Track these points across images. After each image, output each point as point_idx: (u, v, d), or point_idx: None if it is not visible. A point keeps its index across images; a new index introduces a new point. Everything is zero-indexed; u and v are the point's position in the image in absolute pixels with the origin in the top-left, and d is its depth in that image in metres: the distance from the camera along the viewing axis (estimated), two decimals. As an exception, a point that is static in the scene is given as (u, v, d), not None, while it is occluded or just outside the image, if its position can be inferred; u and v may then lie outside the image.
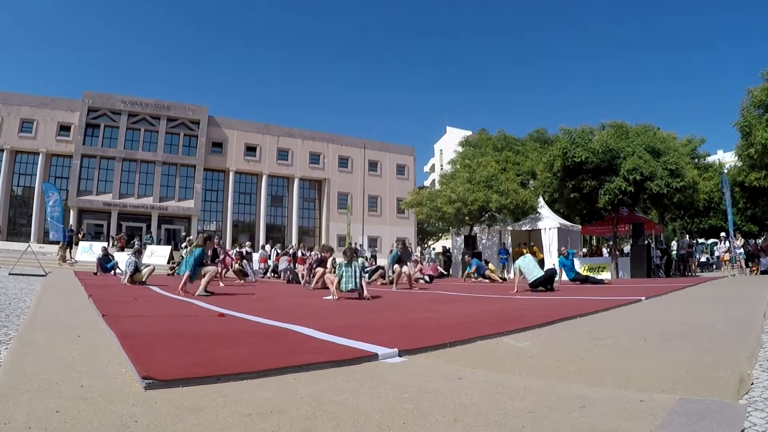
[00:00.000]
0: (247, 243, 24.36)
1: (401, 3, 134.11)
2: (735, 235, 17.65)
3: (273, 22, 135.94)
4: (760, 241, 22.94)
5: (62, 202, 22.16)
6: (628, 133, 16.68)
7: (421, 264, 16.97)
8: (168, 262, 23.32)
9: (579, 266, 17.75)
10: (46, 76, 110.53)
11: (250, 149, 40.01)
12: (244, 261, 14.80)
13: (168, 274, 15.28)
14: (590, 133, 16.53)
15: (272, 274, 18.70)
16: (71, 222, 32.38)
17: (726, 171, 25.58)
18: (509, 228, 20.70)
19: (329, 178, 42.11)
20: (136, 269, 9.94)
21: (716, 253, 22.54)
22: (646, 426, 1.35)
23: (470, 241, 20.31)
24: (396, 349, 2.46)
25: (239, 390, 1.75)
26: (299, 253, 18.69)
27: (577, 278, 12.50)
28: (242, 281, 13.43)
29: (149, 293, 7.27)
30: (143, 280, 9.89)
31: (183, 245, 11.07)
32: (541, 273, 9.14)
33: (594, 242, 27.22)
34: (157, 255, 24.32)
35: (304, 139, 41.90)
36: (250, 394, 1.70)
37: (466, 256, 17.35)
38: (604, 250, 24.68)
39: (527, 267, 9.09)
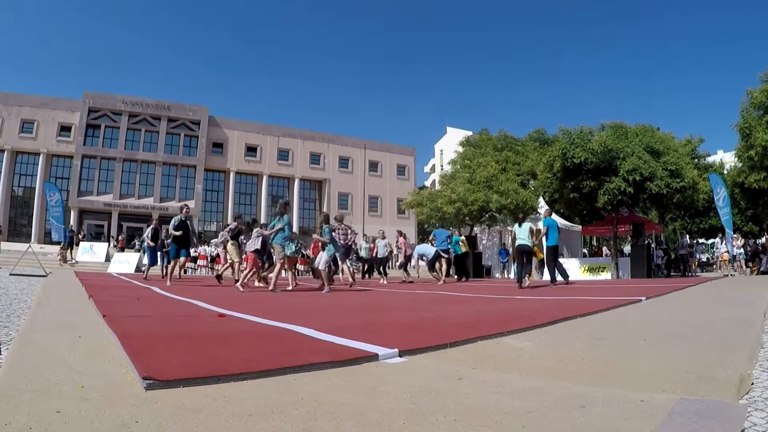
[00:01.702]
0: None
1: (402, 3, 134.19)
2: (735, 235, 17.67)
3: (273, 22, 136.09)
4: (761, 240, 22.94)
5: (63, 203, 22.18)
6: (628, 134, 16.67)
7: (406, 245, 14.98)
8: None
9: (579, 266, 17.78)
10: (46, 77, 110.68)
11: (251, 149, 40.05)
12: None
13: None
14: (589, 134, 16.51)
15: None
16: (72, 222, 32.41)
17: (726, 171, 25.59)
18: (509, 228, 20.70)
19: (330, 178, 42.14)
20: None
21: (716, 253, 22.57)
22: (646, 426, 1.35)
23: (470, 242, 20.31)
24: (396, 349, 2.46)
25: (240, 390, 1.75)
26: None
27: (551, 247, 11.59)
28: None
29: (150, 293, 7.28)
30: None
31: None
32: (529, 244, 10.47)
33: (594, 242, 27.23)
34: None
35: (305, 139, 41.93)
36: (250, 394, 1.70)
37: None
38: (605, 250, 24.70)
39: (522, 233, 10.51)
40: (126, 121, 36.30)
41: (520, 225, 10.64)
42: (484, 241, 22.32)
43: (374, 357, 2.34)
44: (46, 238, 31.01)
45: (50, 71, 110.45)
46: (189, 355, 2.31)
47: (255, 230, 9.95)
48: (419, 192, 25.78)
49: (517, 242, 10.68)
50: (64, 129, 35.17)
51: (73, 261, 22.20)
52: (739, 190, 20.54)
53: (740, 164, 19.35)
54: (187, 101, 41.30)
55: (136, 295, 6.75)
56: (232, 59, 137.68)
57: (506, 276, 20.33)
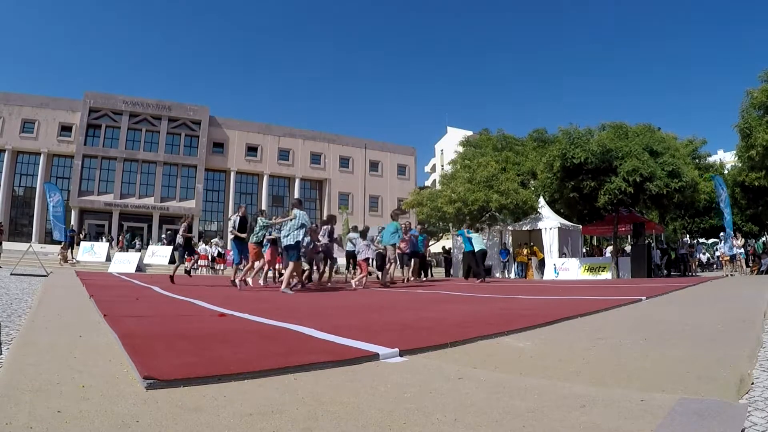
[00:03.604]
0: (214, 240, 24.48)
1: (402, 3, 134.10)
2: (735, 235, 17.66)
3: (274, 22, 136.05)
4: (763, 239, 22.92)
5: (63, 203, 22.20)
6: (628, 134, 16.65)
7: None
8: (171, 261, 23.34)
9: (579, 266, 17.78)
10: (47, 76, 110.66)
11: (251, 149, 40.06)
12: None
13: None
14: (589, 134, 16.49)
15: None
16: (72, 222, 32.43)
17: (726, 171, 25.59)
18: (510, 228, 20.70)
19: (330, 178, 42.14)
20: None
21: (717, 253, 22.58)
22: (647, 425, 1.35)
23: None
24: (397, 349, 2.46)
25: (240, 390, 1.75)
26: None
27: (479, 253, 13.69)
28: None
29: (151, 293, 7.29)
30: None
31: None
32: (477, 248, 13.28)
33: (594, 242, 27.22)
34: (158, 255, 24.36)
35: (305, 139, 41.93)
36: (251, 393, 1.71)
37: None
38: (607, 250, 24.71)
39: (475, 239, 13.43)
40: (127, 120, 36.30)
41: (476, 232, 13.73)
42: (484, 241, 22.30)
43: (375, 357, 2.34)
44: (47, 238, 31.03)
45: (51, 71, 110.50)
46: (189, 355, 2.31)
47: (365, 240, 10.63)
48: (420, 192, 25.78)
49: (477, 247, 13.24)
50: (65, 129, 35.18)
51: (74, 261, 22.20)
52: (739, 190, 20.53)
53: (740, 164, 19.34)
54: (188, 101, 41.41)
55: (137, 294, 6.75)
56: (233, 59, 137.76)
57: (507, 275, 20.33)
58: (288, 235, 8.12)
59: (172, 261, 24.43)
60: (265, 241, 9.40)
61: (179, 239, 10.83)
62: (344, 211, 35.65)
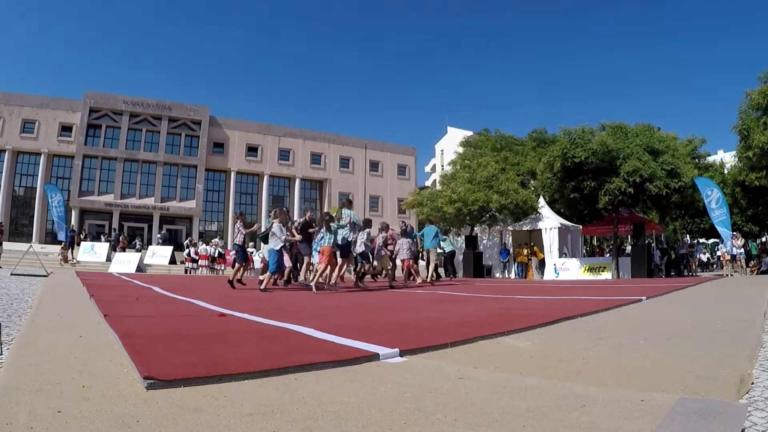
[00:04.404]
0: (215, 240, 24.38)
1: (403, 5, 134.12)
2: (735, 235, 17.66)
3: (274, 22, 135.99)
4: (762, 239, 22.89)
5: (65, 203, 22.21)
6: (628, 134, 16.65)
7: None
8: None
9: (579, 266, 17.78)
10: (47, 77, 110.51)
11: (252, 149, 40.02)
12: None
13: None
14: (590, 134, 16.49)
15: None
16: (73, 222, 32.41)
17: (726, 171, 25.56)
18: (510, 228, 20.69)
19: (330, 178, 42.11)
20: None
21: (717, 253, 22.57)
22: (647, 425, 1.35)
23: (471, 242, 20.31)
24: (397, 349, 2.46)
25: (240, 390, 1.75)
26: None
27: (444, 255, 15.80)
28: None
29: (151, 293, 7.29)
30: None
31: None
32: (447, 250, 15.16)
33: (594, 242, 27.22)
34: (158, 255, 24.36)
35: (306, 139, 41.90)
36: (251, 393, 1.71)
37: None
38: (607, 251, 24.73)
39: (445, 243, 14.82)
40: (127, 121, 36.26)
41: (444, 234, 15.12)
42: (484, 241, 22.32)
43: (375, 357, 2.35)
44: (47, 238, 31.02)
45: (51, 71, 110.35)
46: (190, 355, 2.31)
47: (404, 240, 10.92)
48: (420, 192, 25.77)
49: (447, 249, 14.96)
50: (65, 129, 35.13)
51: (74, 261, 22.20)
52: (740, 189, 20.51)
53: (740, 164, 19.35)
54: (188, 101, 41.40)
55: (137, 294, 6.75)
56: (233, 59, 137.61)
57: (507, 276, 20.33)
58: (342, 236, 9.01)
59: (172, 261, 24.46)
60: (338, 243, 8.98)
61: (239, 239, 9.77)
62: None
